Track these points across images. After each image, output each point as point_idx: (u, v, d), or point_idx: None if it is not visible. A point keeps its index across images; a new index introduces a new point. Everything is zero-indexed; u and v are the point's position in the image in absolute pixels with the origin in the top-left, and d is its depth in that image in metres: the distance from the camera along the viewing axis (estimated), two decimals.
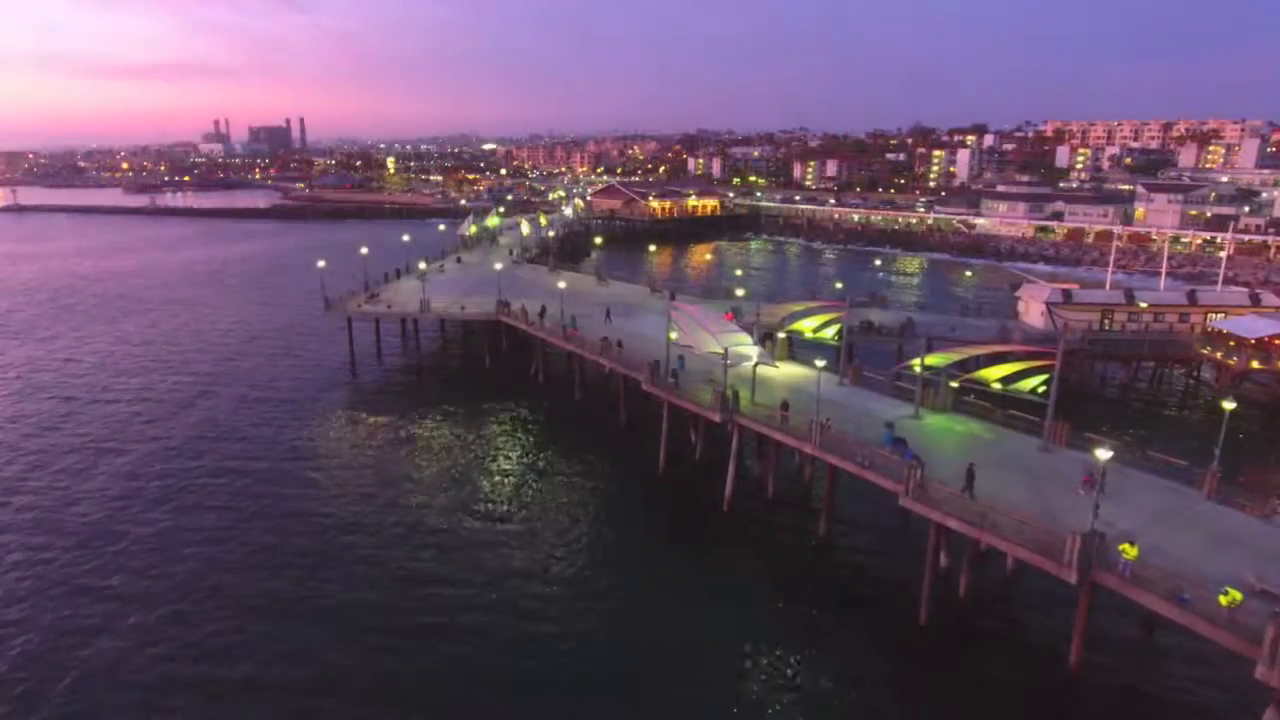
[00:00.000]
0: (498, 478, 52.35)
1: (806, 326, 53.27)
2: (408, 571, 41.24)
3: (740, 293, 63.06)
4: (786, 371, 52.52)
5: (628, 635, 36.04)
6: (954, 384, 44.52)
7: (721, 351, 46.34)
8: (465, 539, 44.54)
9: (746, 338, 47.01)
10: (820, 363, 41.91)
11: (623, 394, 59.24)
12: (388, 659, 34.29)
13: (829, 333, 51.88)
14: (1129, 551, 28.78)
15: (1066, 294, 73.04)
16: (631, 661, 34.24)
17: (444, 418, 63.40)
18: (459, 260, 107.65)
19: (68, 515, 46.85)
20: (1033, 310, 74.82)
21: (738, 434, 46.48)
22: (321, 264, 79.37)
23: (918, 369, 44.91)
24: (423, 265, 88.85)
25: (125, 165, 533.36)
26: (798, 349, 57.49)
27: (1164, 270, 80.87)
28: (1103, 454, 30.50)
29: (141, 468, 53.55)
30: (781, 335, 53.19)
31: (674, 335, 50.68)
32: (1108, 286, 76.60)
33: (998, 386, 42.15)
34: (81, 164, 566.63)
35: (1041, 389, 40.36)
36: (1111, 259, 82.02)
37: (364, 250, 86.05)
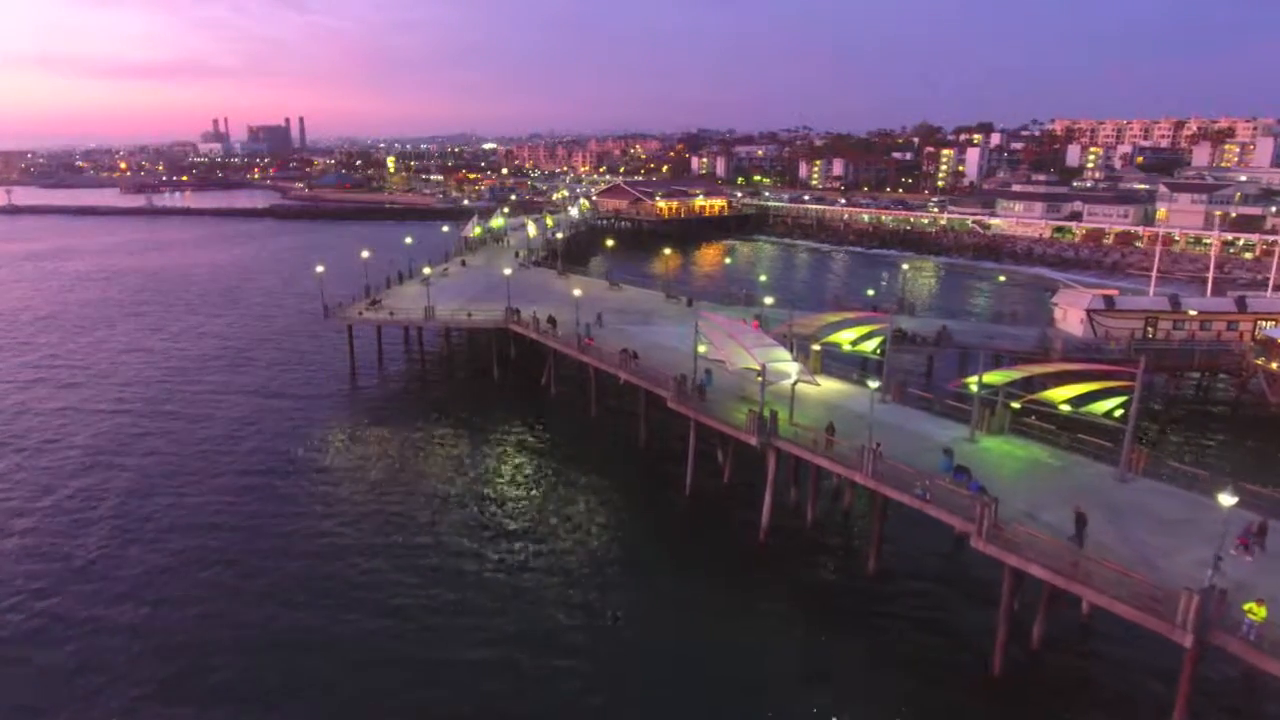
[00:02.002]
0: (509, 499, 48.47)
1: (844, 338, 49.32)
2: (411, 600, 37.89)
3: (769, 301, 59.07)
4: (823, 387, 48.59)
5: (655, 677, 32.46)
6: (1015, 405, 40.54)
7: (757, 368, 42.36)
8: (474, 565, 41.02)
9: (785, 353, 43.04)
10: (874, 383, 37.90)
11: (644, 409, 55.26)
12: (389, 692, 31.36)
13: (869, 345, 47.98)
14: (1256, 613, 24.82)
15: (1108, 300, 69.03)
16: (658, 707, 30.76)
17: (450, 432, 59.52)
18: (463, 263, 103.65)
19: (56, 534, 43.30)
20: (1071, 317, 70.84)
21: (775, 458, 42.52)
22: (320, 269, 75.47)
23: (974, 388, 40.92)
24: (427, 270, 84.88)
25: (123, 165, 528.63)
26: (829, 362, 53.45)
27: (1211, 275, 76.88)
28: (1227, 500, 26.44)
29: (130, 483, 49.87)
30: (816, 348, 49.25)
31: (703, 348, 46.71)
32: (1151, 293, 72.67)
33: (1066, 409, 38.17)
34: (80, 163, 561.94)
35: (1119, 412, 36.39)
36: (1156, 264, 77.83)
37: (365, 254, 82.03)
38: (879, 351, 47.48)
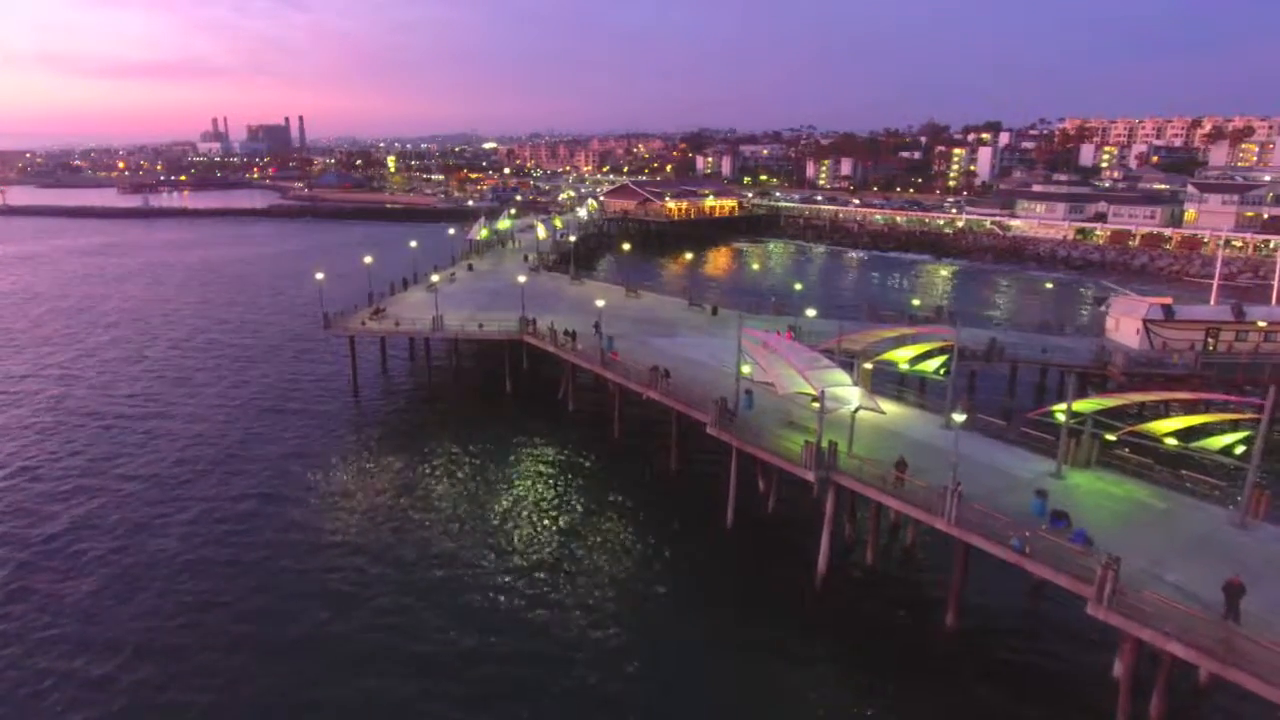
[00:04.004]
0: (527, 529, 43.73)
1: (901, 356, 44.47)
2: (417, 647, 33.63)
3: (810, 313, 54.12)
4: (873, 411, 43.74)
5: None
6: (1110, 436, 35.74)
7: (812, 392, 37.57)
8: (488, 604, 36.72)
9: (844, 376, 38.20)
10: (959, 416, 33.05)
11: (675, 432, 50.45)
12: None
13: (931, 365, 43.13)
14: None
15: (1167, 310, 64.22)
16: None
17: (460, 452, 54.76)
18: (470, 268, 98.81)
19: (34, 561, 38.39)
20: (1125, 327, 66.04)
21: (834, 495, 37.71)
22: (320, 276, 70.61)
23: (1061, 417, 36.11)
24: (435, 278, 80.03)
25: (122, 165, 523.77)
26: (877, 381, 48.60)
27: (1278, 283, 71.85)
28: None
29: (113, 508, 45.09)
30: (867, 366, 44.44)
31: (747, 369, 41.90)
32: (1212, 302, 67.95)
33: (1173, 443, 33.36)
34: (78, 163, 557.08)
35: (1240, 449, 31.60)
36: (1217, 270, 72.79)
37: (368, 260, 77.22)
38: (942, 371, 42.63)
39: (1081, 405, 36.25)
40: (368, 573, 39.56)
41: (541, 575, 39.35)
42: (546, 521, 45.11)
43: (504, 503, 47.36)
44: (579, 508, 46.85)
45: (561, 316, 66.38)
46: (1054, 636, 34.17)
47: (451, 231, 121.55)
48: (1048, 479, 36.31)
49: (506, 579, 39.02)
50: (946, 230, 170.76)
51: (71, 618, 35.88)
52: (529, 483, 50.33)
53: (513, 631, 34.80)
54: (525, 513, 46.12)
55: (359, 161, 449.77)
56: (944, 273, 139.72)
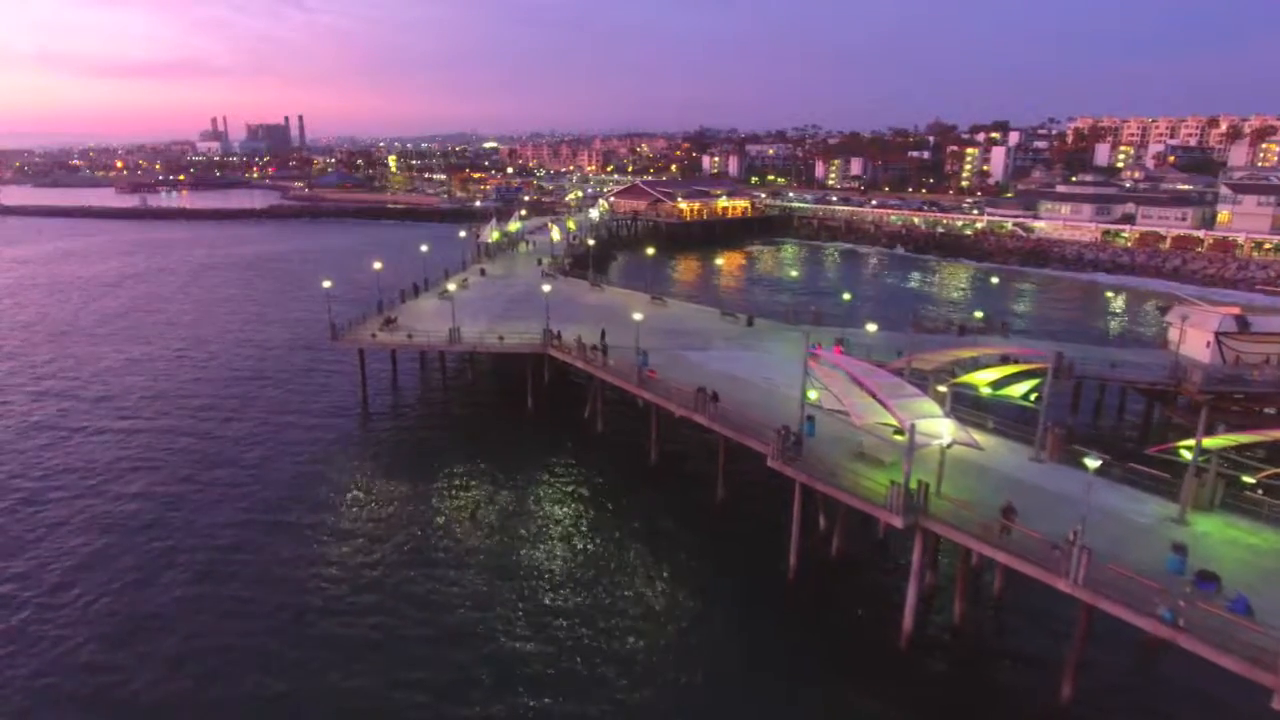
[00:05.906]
0: (554, 567, 39.23)
1: (981, 379, 39.78)
2: (426, 690, 29.31)
3: (871, 328, 49.32)
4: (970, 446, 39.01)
5: None
6: (1248, 478, 31.06)
7: (895, 424, 32.88)
8: (506, 657, 31.96)
9: (934, 406, 33.50)
10: (1093, 462, 28.30)
11: (722, 459, 45.73)
12: None
13: (1018, 390, 38.45)
14: None
15: (1240, 321, 59.49)
16: None
17: (478, 478, 50.28)
18: (483, 272, 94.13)
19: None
20: (1193, 340, 61.17)
21: (921, 542, 32.99)
22: (327, 284, 65.76)
23: (1186, 454, 31.41)
24: (451, 286, 75.12)
25: (120, 164, 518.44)
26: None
27: None
28: None
29: (107, 538, 40.35)
30: (942, 389, 39.72)
31: (814, 394, 37.21)
32: None
33: None
34: (76, 162, 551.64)
35: None
36: None
37: (378, 265, 72.43)
38: (1033, 398, 37.93)
39: (1214, 441, 31.54)
40: (374, 609, 35.40)
41: (569, 621, 34.83)
42: (575, 559, 40.46)
43: (527, 537, 42.70)
44: (613, 544, 42.15)
45: (584, 326, 61.59)
46: (1191, 711, 29.48)
47: (463, 234, 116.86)
48: (1170, 525, 31.65)
49: (528, 626, 34.43)
50: (966, 232, 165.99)
51: (66, 639, 31.19)
52: (555, 513, 45.65)
53: (535, 688, 30.27)
54: (551, 548, 41.50)
55: (360, 161, 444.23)
56: (968, 276, 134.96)
